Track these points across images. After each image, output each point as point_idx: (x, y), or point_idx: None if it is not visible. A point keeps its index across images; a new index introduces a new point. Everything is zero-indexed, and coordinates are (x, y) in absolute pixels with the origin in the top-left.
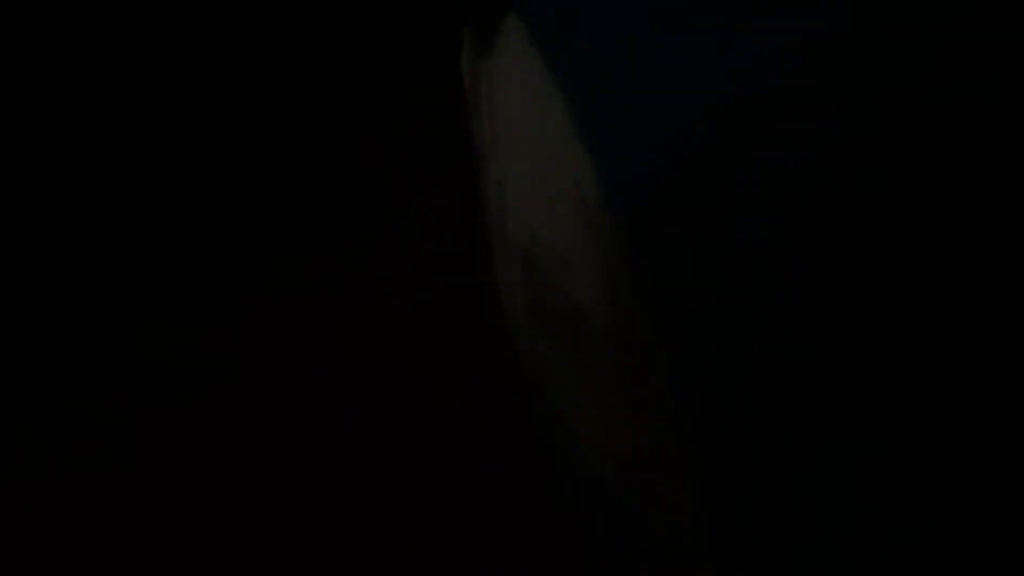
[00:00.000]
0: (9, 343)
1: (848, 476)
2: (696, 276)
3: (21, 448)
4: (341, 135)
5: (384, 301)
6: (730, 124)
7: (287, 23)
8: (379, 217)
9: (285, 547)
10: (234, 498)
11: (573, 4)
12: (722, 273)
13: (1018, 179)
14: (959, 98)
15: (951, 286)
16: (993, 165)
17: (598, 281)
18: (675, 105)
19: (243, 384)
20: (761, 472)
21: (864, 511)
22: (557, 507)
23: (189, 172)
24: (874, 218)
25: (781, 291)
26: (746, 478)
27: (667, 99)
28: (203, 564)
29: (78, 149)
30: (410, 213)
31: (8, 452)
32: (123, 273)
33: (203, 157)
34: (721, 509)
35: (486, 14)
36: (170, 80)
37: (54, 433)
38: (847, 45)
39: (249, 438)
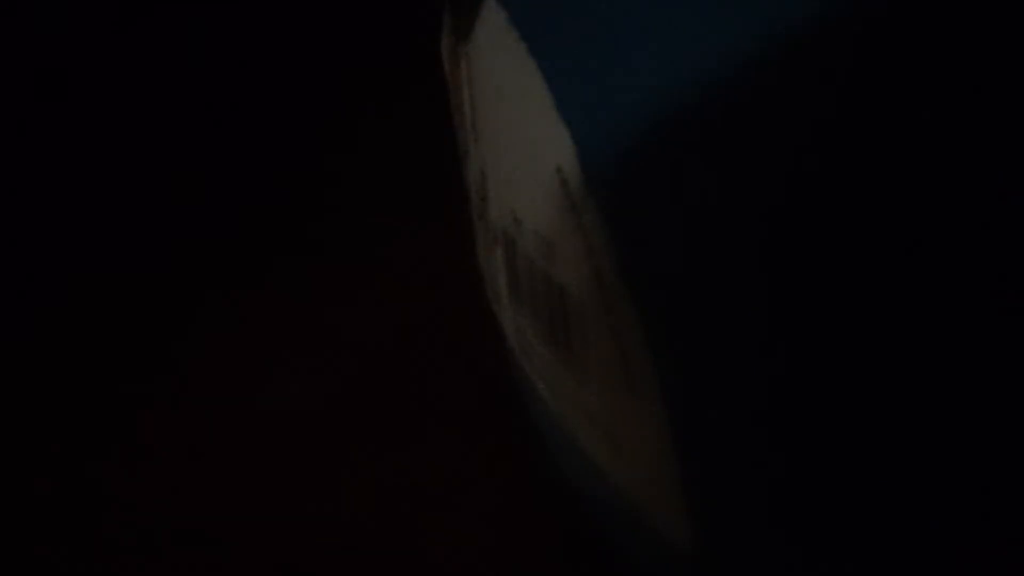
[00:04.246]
0: (7, 337)
1: (838, 470)
2: (679, 258)
3: (20, 447)
4: (318, 125)
5: (376, 289)
6: (716, 105)
7: (266, 11)
8: (366, 205)
9: (284, 544)
10: (233, 489)
11: None
12: (706, 255)
13: (1017, 175)
14: (961, 88)
15: (947, 282)
16: (992, 160)
17: (582, 264)
18: (659, 87)
19: (239, 373)
20: (746, 460)
21: (852, 507)
22: (550, 497)
23: (184, 170)
24: (866, 205)
25: (768, 275)
26: (731, 464)
27: (650, 80)
28: (203, 563)
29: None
30: (395, 199)
31: (7, 451)
32: (112, 258)
33: (201, 158)
34: (703, 492)
35: None
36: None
37: (53, 428)
38: (843, 23)
39: (247, 425)
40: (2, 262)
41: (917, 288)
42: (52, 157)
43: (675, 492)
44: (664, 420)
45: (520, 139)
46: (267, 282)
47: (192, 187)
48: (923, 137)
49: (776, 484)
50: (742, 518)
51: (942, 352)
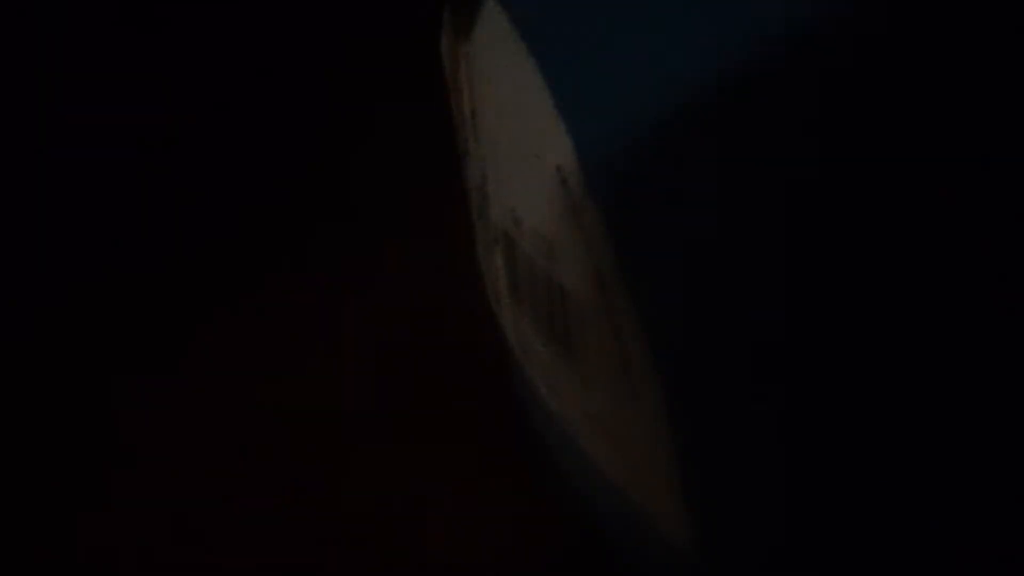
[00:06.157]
0: (6, 335)
1: (838, 470)
2: (680, 257)
3: (20, 447)
4: (319, 125)
5: (375, 291)
6: (716, 104)
7: (266, 12)
8: (366, 206)
9: (284, 544)
10: (233, 490)
11: None
12: (706, 255)
13: (1015, 173)
14: (960, 87)
15: (945, 279)
16: (990, 157)
17: (582, 264)
18: (658, 86)
19: (240, 367)
20: (746, 459)
21: (852, 506)
22: (550, 498)
23: (183, 167)
24: (866, 205)
25: (767, 274)
26: (730, 464)
27: (650, 80)
28: (203, 563)
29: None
30: (395, 199)
31: (7, 451)
32: (109, 258)
33: (201, 159)
34: (703, 492)
35: None
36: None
37: (51, 428)
38: (838, 22)
39: (247, 425)
40: (2, 263)
41: (918, 289)
42: (52, 158)
43: (675, 492)
44: (664, 420)
45: (520, 139)
46: (267, 283)
47: (192, 188)
48: (923, 137)
49: (776, 484)
50: (742, 518)
51: (942, 354)
